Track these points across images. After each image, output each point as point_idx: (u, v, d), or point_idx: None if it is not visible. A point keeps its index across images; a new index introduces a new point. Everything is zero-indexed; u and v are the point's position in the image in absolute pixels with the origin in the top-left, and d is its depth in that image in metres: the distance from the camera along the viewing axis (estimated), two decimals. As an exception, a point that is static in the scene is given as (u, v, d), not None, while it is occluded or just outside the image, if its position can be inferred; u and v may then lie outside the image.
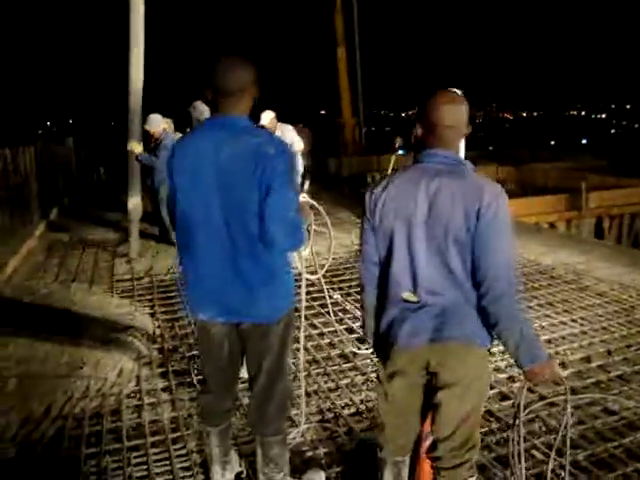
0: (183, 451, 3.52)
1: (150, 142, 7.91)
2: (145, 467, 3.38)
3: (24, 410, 3.95)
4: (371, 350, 4.68)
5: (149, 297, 6.26)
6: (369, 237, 2.41)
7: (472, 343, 2.29)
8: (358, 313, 5.49)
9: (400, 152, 10.99)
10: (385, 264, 2.38)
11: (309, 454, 3.46)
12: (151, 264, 7.34)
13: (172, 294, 6.33)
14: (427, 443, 2.53)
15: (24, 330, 5.18)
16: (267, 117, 7.84)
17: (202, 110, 3.99)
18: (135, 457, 3.48)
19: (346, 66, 22.18)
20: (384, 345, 2.44)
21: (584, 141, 51.00)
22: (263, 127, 8.03)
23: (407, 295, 2.31)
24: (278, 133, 7.83)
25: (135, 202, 7.76)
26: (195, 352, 4.83)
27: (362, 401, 4.08)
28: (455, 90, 2.34)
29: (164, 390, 4.29)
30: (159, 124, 7.92)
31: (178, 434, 3.69)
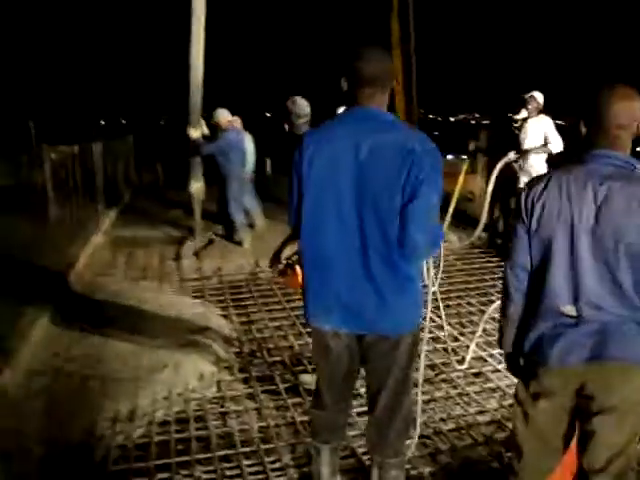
0: (277, 464, 3.34)
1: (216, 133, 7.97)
2: (239, 480, 3.21)
3: (111, 410, 3.82)
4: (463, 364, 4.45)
5: (221, 298, 6.11)
6: (522, 241, 2.18)
7: (636, 365, 2.04)
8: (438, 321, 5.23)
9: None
10: (539, 272, 2.15)
11: (413, 472, 3.24)
12: (219, 264, 7.19)
13: (244, 295, 6.17)
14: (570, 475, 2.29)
15: (100, 328, 5.09)
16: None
17: (302, 105, 3.79)
18: (227, 468, 3.31)
19: (401, 70, 21.85)
20: (528, 362, 2.22)
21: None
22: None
23: (568, 309, 2.07)
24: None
25: (198, 185, 7.85)
26: (277, 358, 4.66)
27: (460, 416, 3.83)
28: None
29: (249, 397, 4.11)
30: (225, 116, 7.96)
31: (270, 445, 3.51)
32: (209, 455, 3.42)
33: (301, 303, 5.66)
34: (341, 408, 2.71)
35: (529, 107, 6.61)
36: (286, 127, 3.83)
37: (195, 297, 6.10)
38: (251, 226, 8.78)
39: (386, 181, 2.22)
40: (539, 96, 6.68)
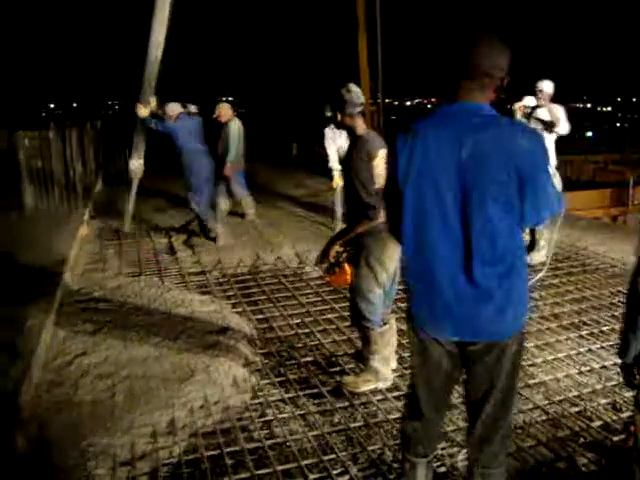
0: (346, 477, 3.10)
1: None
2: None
3: (147, 424, 3.53)
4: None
5: (229, 294, 5.82)
6: None
7: None
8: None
9: None
10: None
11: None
12: (218, 257, 6.88)
13: (253, 290, 5.89)
14: None
15: (111, 331, 4.77)
16: None
17: (357, 93, 3.53)
18: (293, 484, 3.06)
19: (366, 54, 21.66)
20: None
21: (589, 134, 50.44)
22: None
23: None
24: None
25: (137, 163, 7.90)
26: (308, 358, 4.42)
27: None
28: None
29: (290, 402, 3.86)
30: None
31: (332, 456, 3.27)
32: (269, 470, 3.16)
33: (317, 298, 5.51)
34: (439, 417, 2.53)
35: (539, 96, 6.48)
36: (338, 116, 3.56)
37: (203, 293, 5.78)
38: (242, 216, 8.52)
39: (491, 181, 2.06)
40: (548, 86, 6.56)
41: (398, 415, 3.62)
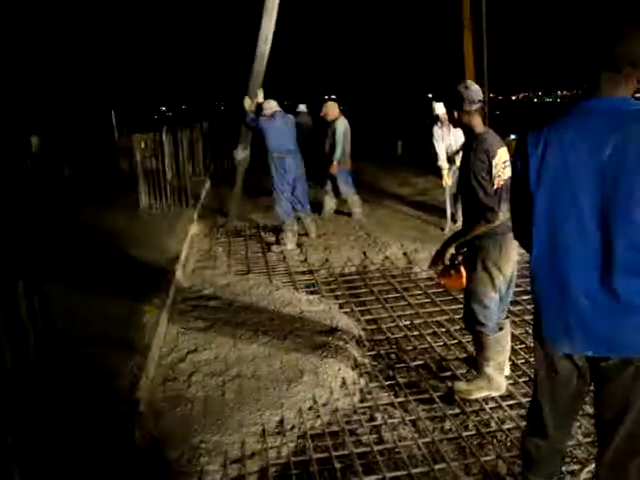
0: (459, 489, 2.97)
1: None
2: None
3: (257, 423, 3.54)
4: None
5: (337, 293, 5.78)
6: None
7: None
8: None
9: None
10: None
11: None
12: (325, 256, 6.86)
13: (361, 290, 5.83)
14: None
15: (221, 327, 4.84)
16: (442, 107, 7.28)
17: (476, 90, 3.40)
18: (403, 494, 2.97)
19: (472, 50, 21.11)
20: None
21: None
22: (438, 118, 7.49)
23: None
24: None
25: (243, 155, 8.13)
26: (419, 362, 4.30)
27: None
28: None
29: (399, 407, 3.76)
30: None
31: (442, 465, 3.15)
32: (378, 477, 3.09)
33: (427, 299, 5.38)
34: (564, 435, 2.36)
35: None
36: (455, 114, 3.43)
37: (310, 292, 5.78)
38: (349, 215, 8.49)
39: (636, 185, 1.87)
40: None
41: (512, 425, 3.47)
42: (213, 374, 4.14)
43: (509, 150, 3.39)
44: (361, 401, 3.84)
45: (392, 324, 4.96)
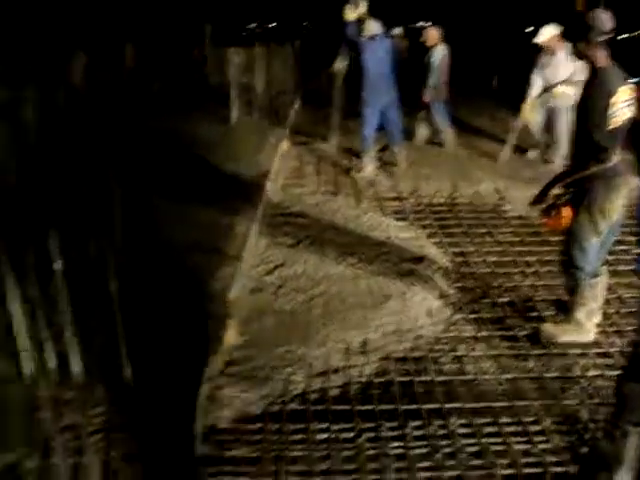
0: (537, 427, 2.99)
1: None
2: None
3: (342, 340, 3.63)
4: None
5: (425, 223, 5.73)
6: None
7: None
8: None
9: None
10: None
11: None
12: (415, 184, 6.77)
13: (450, 222, 5.75)
14: None
15: (306, 244, 4.92)
16: (548, 33, 6.87)
17: (604, 19, 3.19)
18: (485, 424, 3.00)
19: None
20: None
21: None
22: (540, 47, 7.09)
23: None
24: (562, 57, 6.85)
25: (342, 64, 8.01)
26: (506, 299, 4.26)
27: None
28: None
29: (482, 341, 3.76)
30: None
31: (525, 403, 3.16)
32: (458, 405, 3.13)
33: (516, 238, 5.27)
34: None
35: None
36: (580, 45, 3.25)
37: (398, 219, 5.76)
38: (441, 146, 8.32)
39: None
40: None
41: (596, 373, 3.43)
42: (300, 289, 4.24)
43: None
44: (445, 331, 3.87)
45: (479, 259, 4.91)
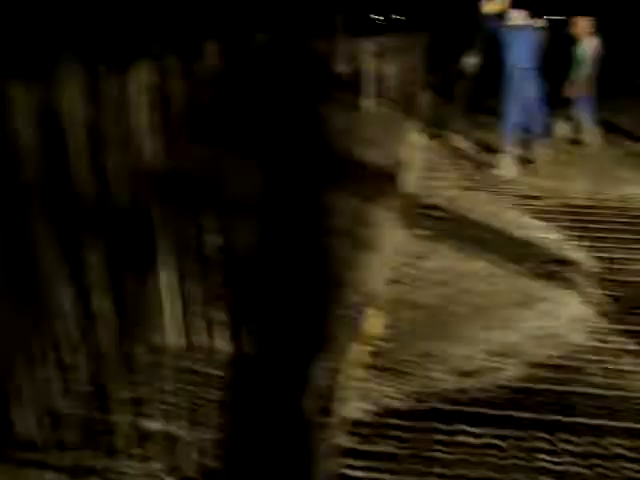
0: None
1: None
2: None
3: (484, 340, 3.52)
4: None
5: (569, 224, 5.44)
6: None
7: None
8: None
9: None
10: None
11: None
12: (557, 183, 6.48)
13: (595, 225, 5.45)
14: None
15: (445, 238, 4.81)
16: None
17: None
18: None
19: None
20: None
21: None
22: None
23: None
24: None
25: (473, 61, 7.74)
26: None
27: None
28: None
29: (633, 355, 3.52)
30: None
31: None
32: (623, 425, 2.91)
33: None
34: None
35: None
36: None
37: (539, 219, 5.53)
38: (577, 142, 7.93)
39: None
40: None
41: None
42: (440, 284, 4.16)
43: None
44: (591, 340, 3.66)
45: (630, 267, 4.62)
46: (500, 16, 7.00)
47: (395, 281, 4.21)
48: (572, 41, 7.66)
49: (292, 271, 3.49)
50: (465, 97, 8.13)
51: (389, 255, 4.55)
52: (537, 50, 6.80)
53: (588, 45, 7.52)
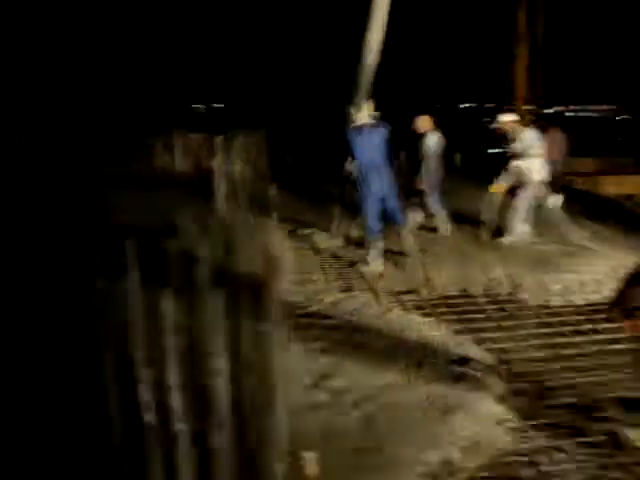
0: None
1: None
2: None
3: (420, 462, 3.39)
4: None
5: (452, 317, 5.59)
6: None
7: None
8: None
9: None
10: None
11: None
12: (425, 274, 6.68)
13: (476, 315, 5.63)
14: None
15: (343, 350, 4.70)
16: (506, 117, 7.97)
17: None
18: None
19: (526, 63, 20.74)
20: None
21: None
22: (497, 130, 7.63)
23: None
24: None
25: (353, 165, 7.59)
26: (570, 400, 4.11)
27: None
28: None
29: (562, 451, 3.58)
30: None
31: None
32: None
33: (551, 329, 5.18)
34: None
35: None
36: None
37: (422, 315, 5.62)
38: (435, 230, 8.33)
39: None
40: None
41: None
42: (356, 403, 3.99)
43: None
44: (521, 442, 3.67)
45: (523, 355, 4.79)
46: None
47: (313, 407, 3.97)
48: (417, 137, 8.11)
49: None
50: (336, 196, 8.24)
51: (296, 379, 4.32)
52: (385, 146, 7.06)
53: (431, 140, 8.00)
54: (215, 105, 29.22)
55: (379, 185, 6.96)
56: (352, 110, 7.38)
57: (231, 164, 9.48)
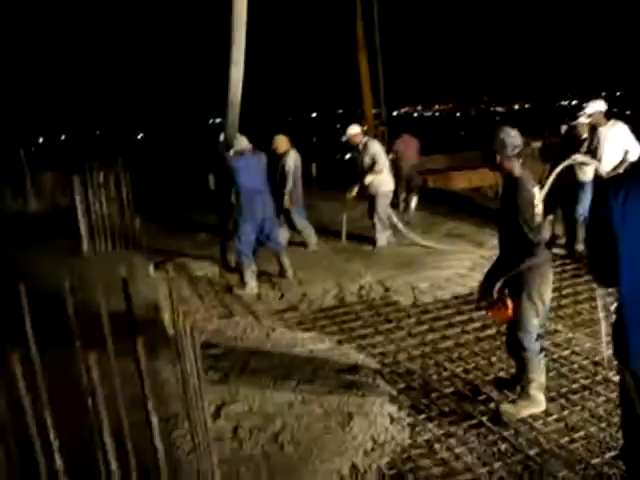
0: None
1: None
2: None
3: (331, 472, 3.57)
4: None
5: (334, 328, 5.84)
6: None
7: None
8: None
9: None
10: None
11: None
12: (301, 290, 6.90)
13: (355, 323, 5.93)
14: None
15: (235, 376, 4.80)
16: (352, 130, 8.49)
17: (516, 134, 3.66)
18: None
19: (367, 69, 21.81)
20: None
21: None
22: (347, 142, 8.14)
23: None
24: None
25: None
26: (451, 389, 4.49)
27: None
28: None
29: (454, 437, 3.91)
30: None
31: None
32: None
33: (425, 327, 5.57)
34: None
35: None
36: (497, 158, 3.73)
37: (305, 330, 5.82)
38: (304, 246, 8.58)
39: None
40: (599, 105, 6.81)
41: (567, 438, 3.75)
42: (258, 428, 4.09)
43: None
44: (416, 435, 3.96)
45: (404, 355, 5.12)
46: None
47: (215, 440, 4.03)
48: (278, 157, 8.31)
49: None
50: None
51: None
52: (264, 171, 7.20)
53: (289, 158, 8.24)
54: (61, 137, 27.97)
55: (261, 210, 7.06)
56: (223, 140, 7.44)
57: (92, 199, 9.12)
